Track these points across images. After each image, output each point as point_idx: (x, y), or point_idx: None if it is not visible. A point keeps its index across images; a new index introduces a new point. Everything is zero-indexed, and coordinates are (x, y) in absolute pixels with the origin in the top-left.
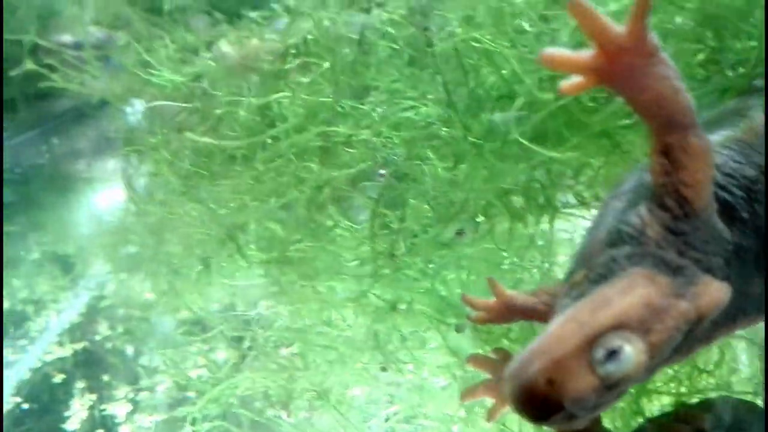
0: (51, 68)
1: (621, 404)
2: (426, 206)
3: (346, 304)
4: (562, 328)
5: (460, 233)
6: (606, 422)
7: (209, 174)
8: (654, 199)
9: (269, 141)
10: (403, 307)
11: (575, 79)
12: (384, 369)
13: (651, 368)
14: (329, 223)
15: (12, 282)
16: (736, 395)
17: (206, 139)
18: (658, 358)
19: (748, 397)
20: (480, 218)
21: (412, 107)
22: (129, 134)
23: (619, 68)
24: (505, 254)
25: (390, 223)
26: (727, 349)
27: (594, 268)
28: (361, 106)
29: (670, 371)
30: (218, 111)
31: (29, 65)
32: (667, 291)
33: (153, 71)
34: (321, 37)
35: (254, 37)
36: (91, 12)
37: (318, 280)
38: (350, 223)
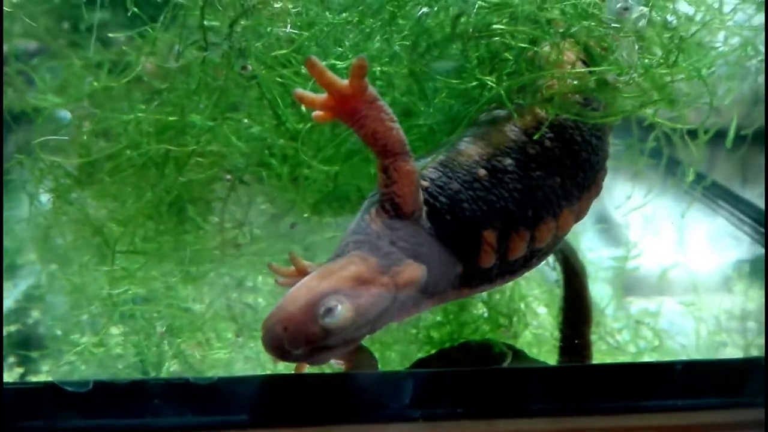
0: None
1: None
2: (268, 204)
3: (195, 282)
4: (297, 291)
5: (293, 225)
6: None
7: (76, 182)
8: (379, 203)
9: (130, 153)
10: (250, 284)
11: (319, 113)
12: (238, 336)
13: (369, 323)
14: (187, 220)
15: None
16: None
17: (55, 159)
18: (366, 316)
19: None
20: (306, 214)
21: (249, 123)
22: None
23: (345, 110)
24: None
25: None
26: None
27: (337, 250)
28: (210, 123)
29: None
30: (84, 128)
31: None
32: (375, 269)
33: (39, 94)
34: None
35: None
36: (21, 24)
37: (171, 265)
38: (203, 220)
